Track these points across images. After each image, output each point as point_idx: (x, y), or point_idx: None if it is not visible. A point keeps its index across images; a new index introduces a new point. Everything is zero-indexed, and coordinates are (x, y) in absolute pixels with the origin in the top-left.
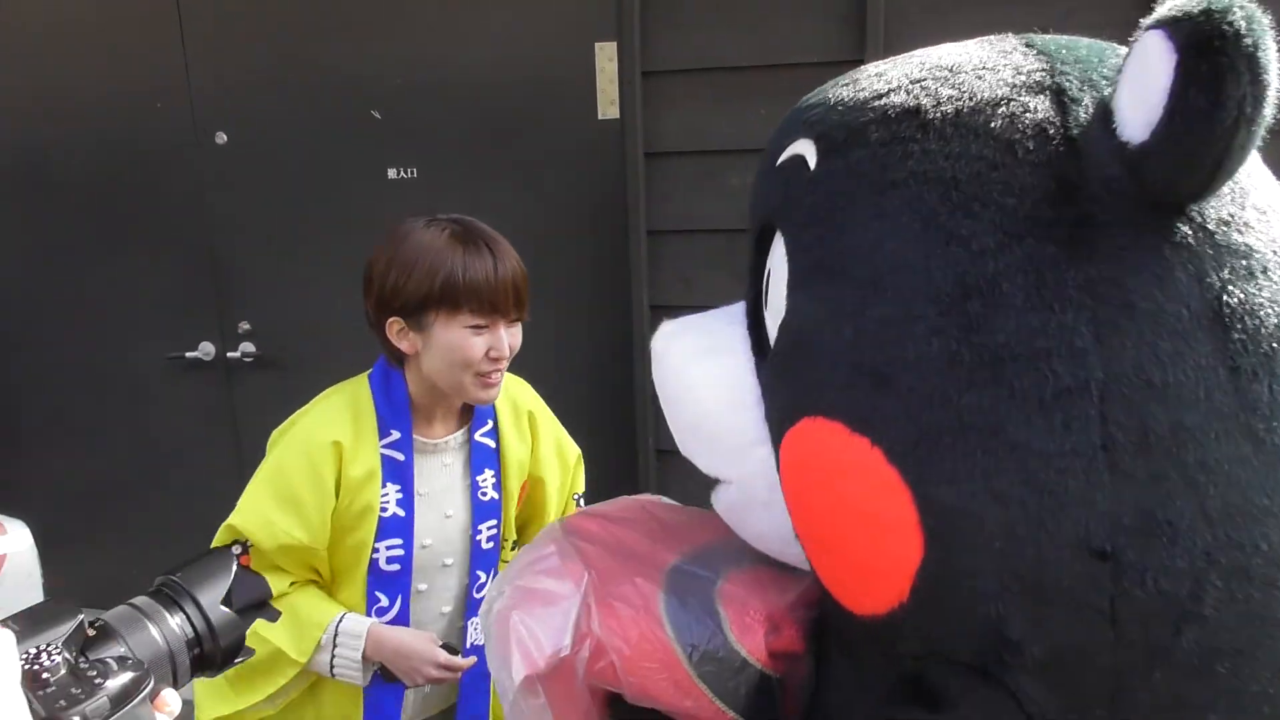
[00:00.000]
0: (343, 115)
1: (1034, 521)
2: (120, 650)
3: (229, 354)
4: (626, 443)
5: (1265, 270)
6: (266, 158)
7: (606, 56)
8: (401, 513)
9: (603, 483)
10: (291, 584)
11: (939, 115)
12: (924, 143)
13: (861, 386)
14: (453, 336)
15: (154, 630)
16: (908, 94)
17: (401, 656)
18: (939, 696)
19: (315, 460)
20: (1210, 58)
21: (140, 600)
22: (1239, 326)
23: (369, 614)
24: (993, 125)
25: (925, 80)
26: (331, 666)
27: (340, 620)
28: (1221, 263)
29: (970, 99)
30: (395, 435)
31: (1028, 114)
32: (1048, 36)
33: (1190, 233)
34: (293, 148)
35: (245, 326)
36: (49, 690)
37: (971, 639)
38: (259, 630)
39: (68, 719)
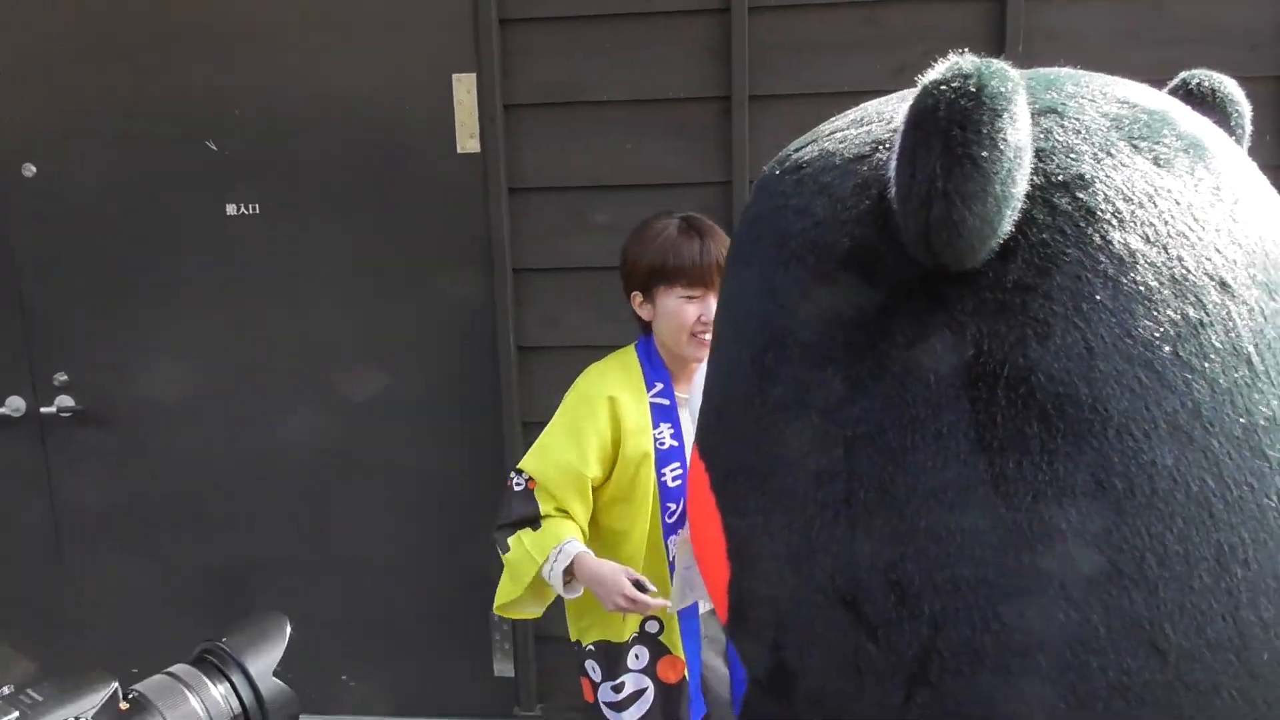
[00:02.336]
0: (173, 146)
1: (794, 562)
2: None
3: (43, 409)
4: (498, 475)
5: (1046, 340)
6: (82, 192)
7: (465, 88)
8: (675, 443)
9: (474, 526)
10: (557, 509)
11: (808, 170)
12: (790, 197)
13: (709, 420)
14: (670, 304)
15: (195, 702)
16: (809, 147)
17: (595, 583)
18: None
19: (594, 405)
20: (912, 132)
21: (180, 668)
22: (995, 398)
23: (663, 521)
24: (831, 182)
25: (832, 132)
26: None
27: (566, 543)
28: (993, 332)
29: (834, 155)
30: (659, 386)
31: (863, 171)
32: None
33: (962, 299)
34: (114, 181)
35: (62, 378)
36: None
37: (764, 661)
38: (522, 537)
39: None
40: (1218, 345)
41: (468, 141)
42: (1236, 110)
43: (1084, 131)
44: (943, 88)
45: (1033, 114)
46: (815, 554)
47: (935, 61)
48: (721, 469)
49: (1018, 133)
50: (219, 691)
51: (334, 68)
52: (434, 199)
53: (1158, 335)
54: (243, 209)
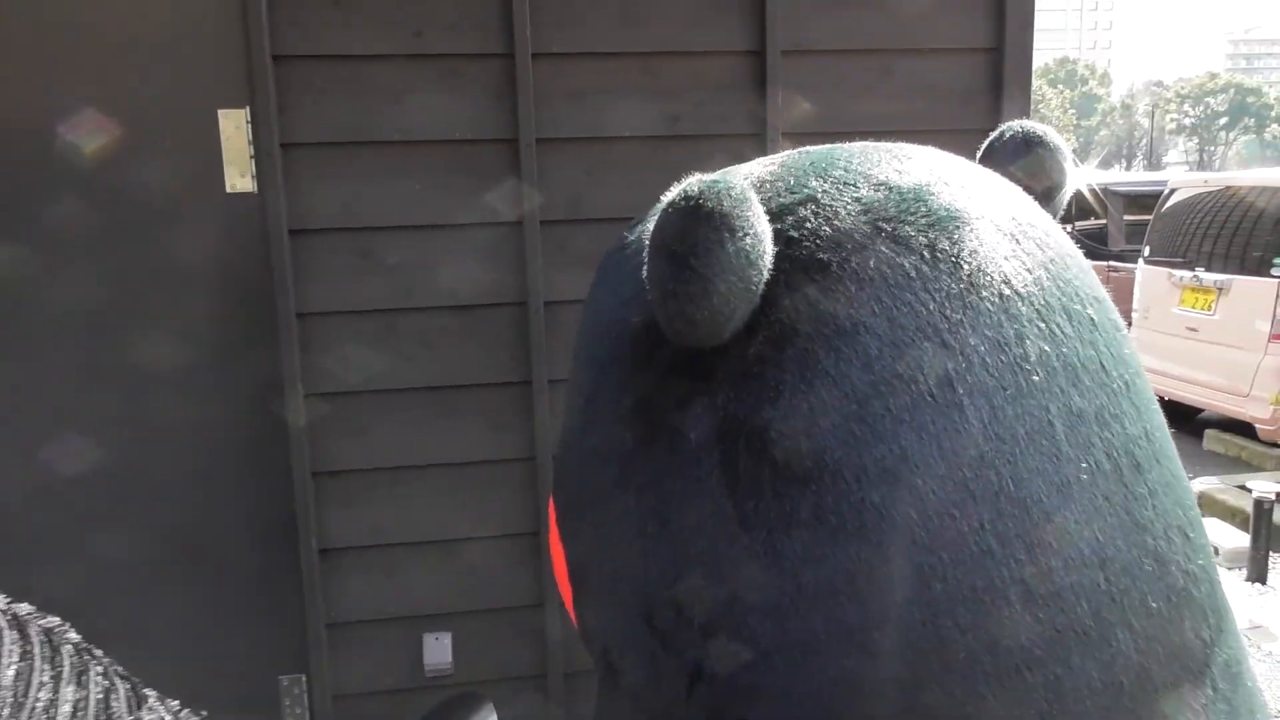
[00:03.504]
0: None
1: (609, 584)
2: None
3: None
4: (286, 541)
5: (777, 402)
6: None
7: (233, 124)
8: None
9: (259, 582)
10: None
11: (628, 251)
12: (608, 274)
13: (558, 456)
14: None
15: None
16: (639, 227)
17: None
18: None
19: None
20: (651, 244)
21: None
22: (738, 451)
23: None
24: (638, 266)
25: (654, 214)
26: None
27: None
28: (737, 397)
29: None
30: None
31: None
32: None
33: (714, 370)
34: None
35: None
36: None
37: (599, 662)
38: None
39: None
40: (928, 397)
41: (238, 180)
42: (1048, 153)
43: (834, 218)
44: (669, 210)
45: (794, 203)
46: (621, 578)
47: (706, 111)
48: (561, 501)
49: (738, 239)
50: None
51: (80, 97)
52: (205, 240)
53: (871, 393)
54: None
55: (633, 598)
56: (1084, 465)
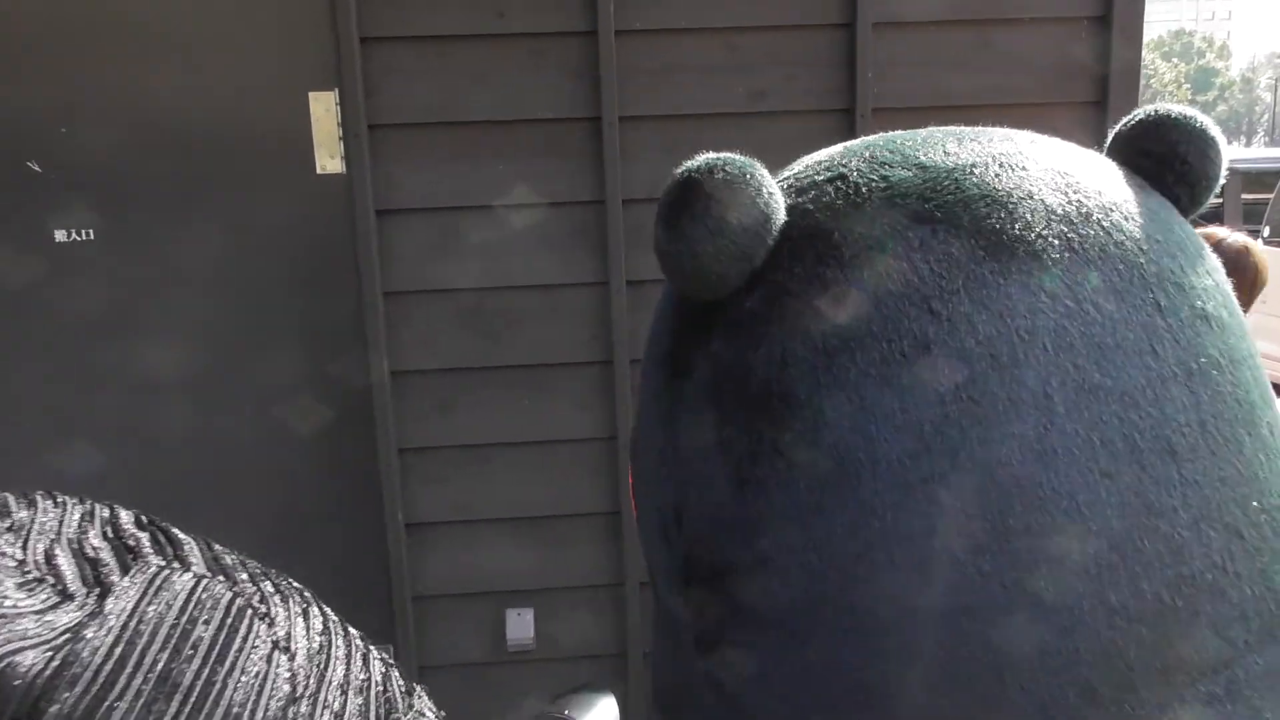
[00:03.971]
0: None
1: (645, 501)
2: None
3: None
4: (372, 518)
5: (758, 350)
6: None
7: (323, 107)
8: None
9: (346, 556)
10: None
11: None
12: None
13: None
14: None
15: None
16: None
17: None
18: None
19: None
20: (659, 210)
21: None
22: (726, 391)
23: None
24: None
25: None
26: None
27: None
28: (729, 345)
29: None
30: None
31: None
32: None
33: (714, 320)
34: None
35: None
36: None
37: (645, 564)
38: None
39: None
40: (899, 355)
41: (328, 161)
42: (1188, 139)
43: (853, 194)
44: (669, 183)
45: (823, 180)
46: (651, 501)
47: (793, 86)
48: (631, 443)
49: (724, 212)
50: None
51: (176, 81)
52: (294, 222)
53: (841, 346)
54: (74, 235)
55: (656, 516)
56: (1083, 438)
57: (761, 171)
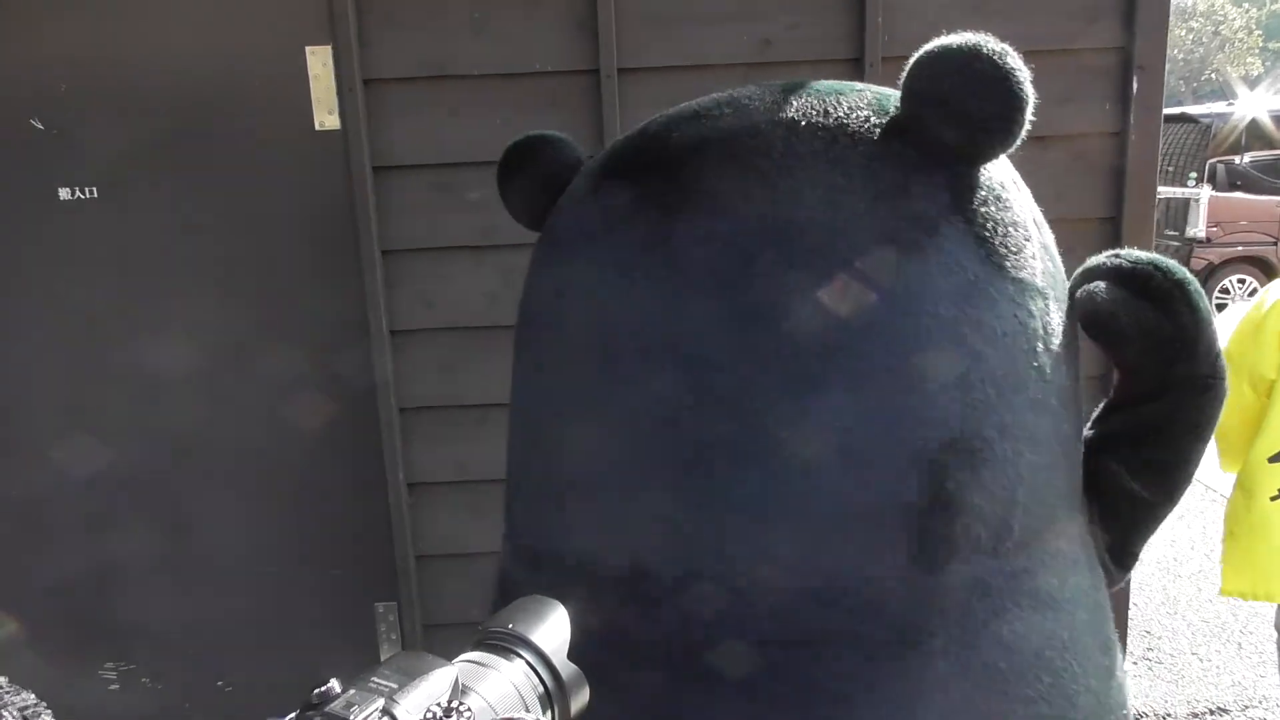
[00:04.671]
0: None
1: None
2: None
3: None
4: (375, 477)
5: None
6: None
7: (320, 62)
8: None
9: (348, 517)
10: None
11: None
12: None
13: None
14: None
15: (507, 684)
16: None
17: None
18: None
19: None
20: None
21: (476, 655)
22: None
23: None
24: None
25: None
26: None
27: None
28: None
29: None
30: None
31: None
32: None
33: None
34: None
35: None
36: None
37: None
38: None
39: None
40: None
41: (326, 117)
42: (941, 78)
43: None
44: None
45: (714, 106)
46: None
47: (799, 33)
48: None
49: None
50: (521, 671)
51: (174, 38)
52: (293, 179)
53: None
54: (78, 193)
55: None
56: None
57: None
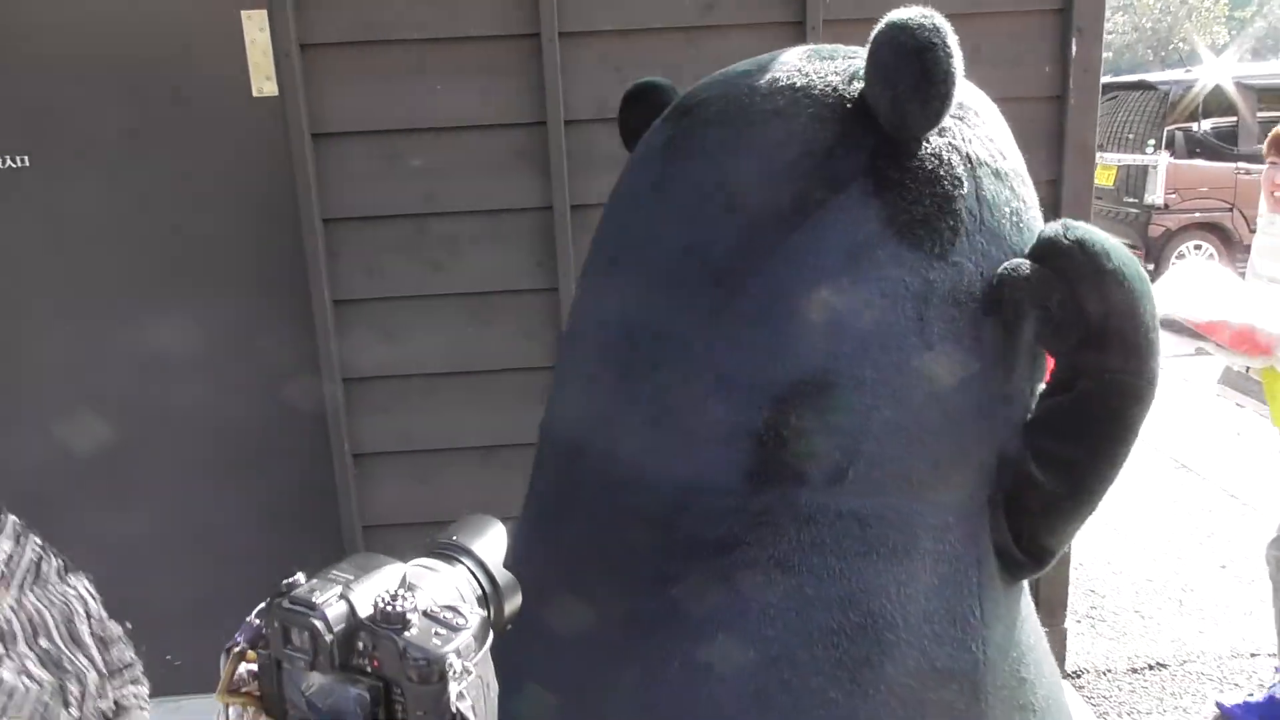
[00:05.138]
0: None
1: None
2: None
3: None
4: (319, 448)
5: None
6: None
7: (256, 26)
8: None
9: (294, 488)
10: None
11: None
12: None
13: None
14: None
15: (451, 585)
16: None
17: None
18: None
19: None
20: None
21: (424, 560)
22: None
23: None
24: None
25: None
26: None
27: None
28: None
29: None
30: None
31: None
32: None
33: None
34: None
35: None
36: (412, 632)
37: None
38: None
39: (444, 655)
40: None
41: (264, 84)
42: (876, 46)
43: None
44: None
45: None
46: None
47: None
48: None
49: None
50: (462, 576)
51: (110, 4)
52: (231, 147)
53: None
54: (10, 161)
55: None
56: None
57: None
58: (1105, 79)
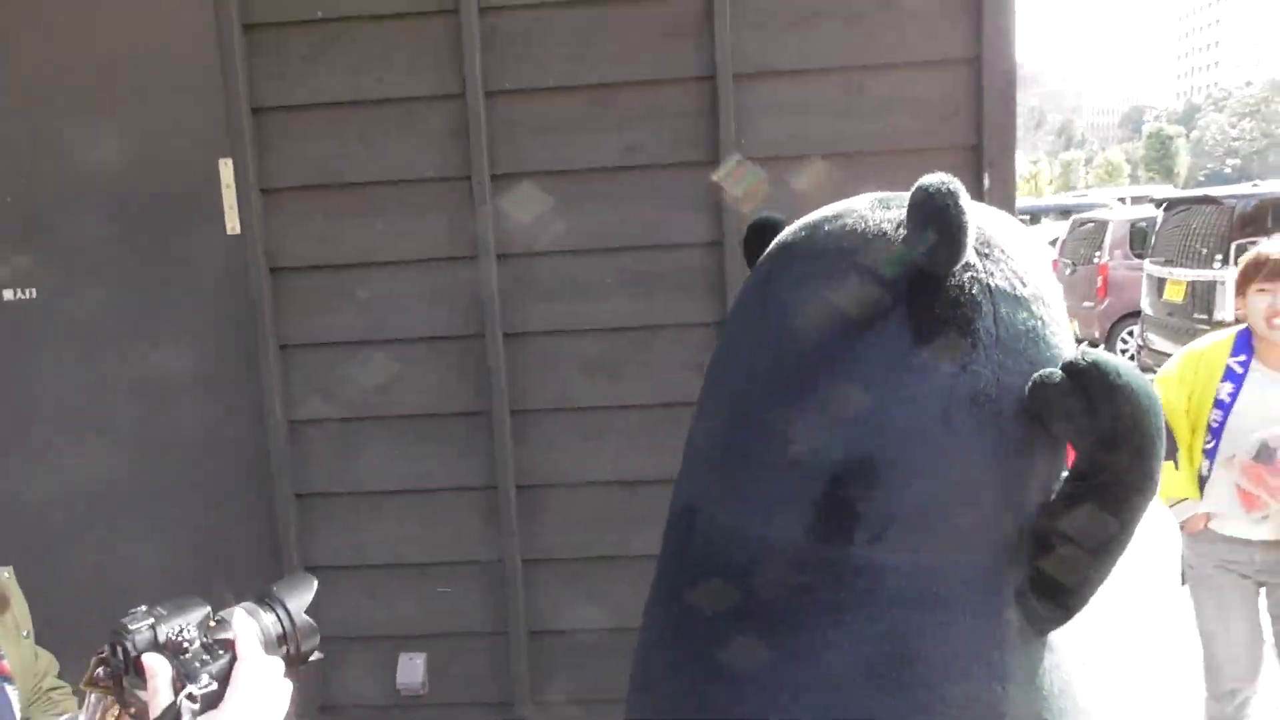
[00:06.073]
0: None
1: None
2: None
3: None
4: (269, 550)
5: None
6: None
7: (231, 171)
8: (1228, 399)
9: (246, 573)
10: None
11: None
12: None
13: None
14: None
15: (259, 624)
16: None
17: None
18: None
19: (1183, 361)
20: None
21: (246, 605)
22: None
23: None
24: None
25: None
26: None
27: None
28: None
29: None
30: (1241, 357)
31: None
32: None
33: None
34: None
35: None
36: (184, 657)
37: None
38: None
39: (199, 675)
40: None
41: (237, 223)
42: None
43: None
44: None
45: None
46: None
47: (661, 138)
48: None
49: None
50: (270, 619)
51: (106, 151)
52: (208, 278)
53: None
54: (19, 294)
55: None
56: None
57: None
58: (1173, 194)
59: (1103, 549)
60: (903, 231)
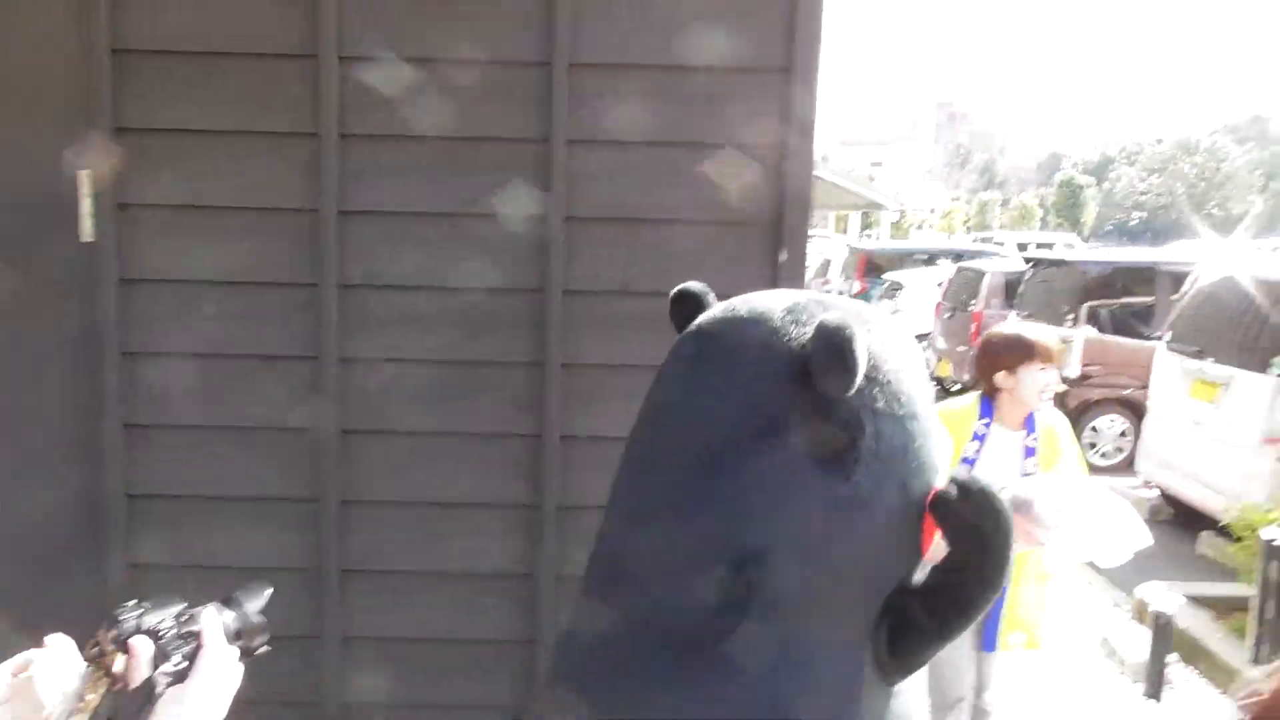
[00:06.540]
0: None
1: None
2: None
3: None
4: (94, 548)
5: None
6: None
7: (90, 183)
8: (974, 456)
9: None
10: None
11: None
12: None
13: None
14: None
15: (221, 621)
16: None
17: None
18: None
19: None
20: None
21: (213, 605)
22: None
23: None
24: None
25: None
26: None
27: None
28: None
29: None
30: (985, 419)
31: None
32: None
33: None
34: None
35: None
36: (161, 641)
37: None
38: None
39: (173, 656)
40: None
41: (89, 234)
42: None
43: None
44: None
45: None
46: None
47: (496, 190)
48: None
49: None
50: (231, 616)
51: None
52: (55, 285)
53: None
54: None
55: None
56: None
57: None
58: (1036, 254)
59: (947, 627)
60: (808, 351)
